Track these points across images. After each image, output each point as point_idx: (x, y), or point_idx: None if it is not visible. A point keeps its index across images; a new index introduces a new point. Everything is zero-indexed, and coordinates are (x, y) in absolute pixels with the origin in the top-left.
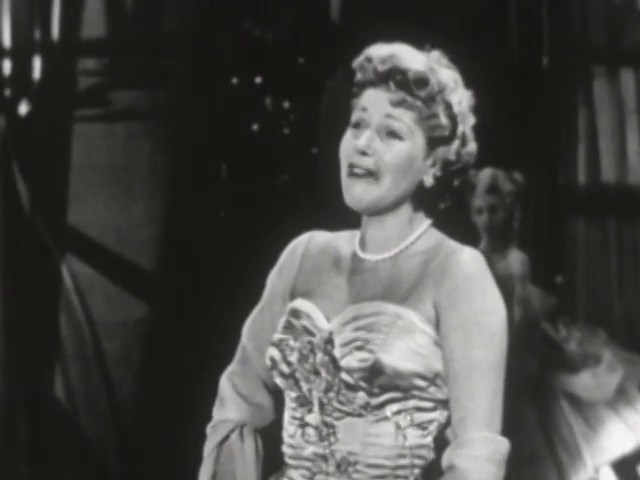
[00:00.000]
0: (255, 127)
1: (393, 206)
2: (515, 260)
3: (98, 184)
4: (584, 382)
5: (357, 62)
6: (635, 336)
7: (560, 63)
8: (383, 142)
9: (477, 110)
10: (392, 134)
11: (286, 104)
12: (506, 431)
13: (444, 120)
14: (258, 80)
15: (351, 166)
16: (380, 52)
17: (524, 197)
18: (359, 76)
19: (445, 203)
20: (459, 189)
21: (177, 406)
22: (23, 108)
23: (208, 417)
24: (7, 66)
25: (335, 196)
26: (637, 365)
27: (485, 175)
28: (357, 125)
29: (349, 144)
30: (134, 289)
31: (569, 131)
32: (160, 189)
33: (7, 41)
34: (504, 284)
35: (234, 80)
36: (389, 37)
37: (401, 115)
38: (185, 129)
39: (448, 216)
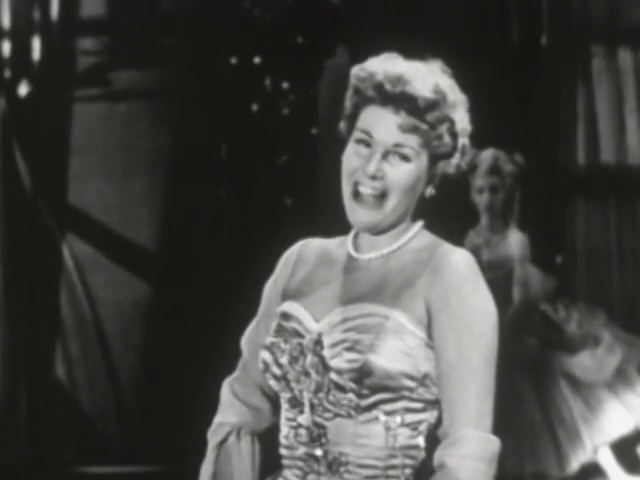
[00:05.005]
0: (254, 107)
1: (395, 224)
2: (515, 241)
3: (99, 164)
4: (583, 363)
5: (358, 74)
6: (634, 317)
7: (559, 43)
8: (390, 164)
9: (476, 92)
10: (400, 157)
11: (285, 84)
12: (506, 411)
13: (447, 138)
14: (257, 60)
15: (357, 184)
16: (387, 71)
17: (525, 178)
18: (360, 87)
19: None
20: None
21: (177, 385)
22: (23, 89)
23: (208, 396)
24: (7, 47)
25: (335, 177)
26: (636, 347)
27: (487, 155)
28: (361, 142)
29: (354, 163)
30: (134, 268)
31: (568, 111)
32: (160, 169)
33: (6, 22)
34: (504, 265)
35: (233, 60)
36: (387, 19)
37: (409, 140)
38: (185, 109)
39: (448, 195)
